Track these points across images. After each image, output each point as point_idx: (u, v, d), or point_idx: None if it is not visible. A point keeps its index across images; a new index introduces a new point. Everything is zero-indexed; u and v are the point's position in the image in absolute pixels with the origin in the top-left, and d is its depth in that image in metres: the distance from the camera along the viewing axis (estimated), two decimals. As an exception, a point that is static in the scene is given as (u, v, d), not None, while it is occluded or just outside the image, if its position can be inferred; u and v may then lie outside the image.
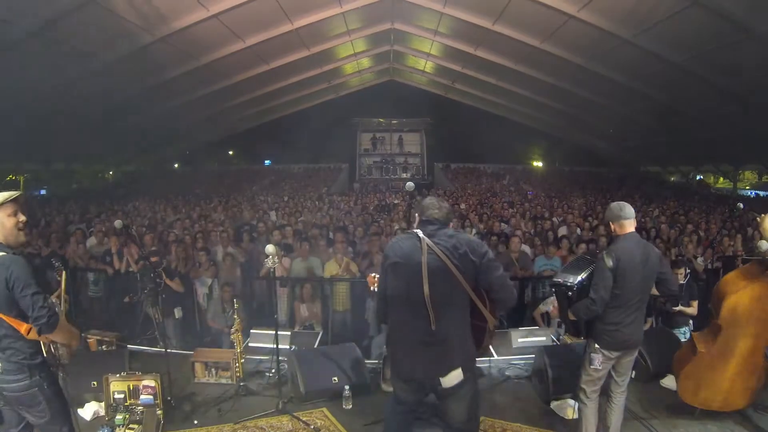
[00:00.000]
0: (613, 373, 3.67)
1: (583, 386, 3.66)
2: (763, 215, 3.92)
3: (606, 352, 3.53)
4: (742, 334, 3.88)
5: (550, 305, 6.68)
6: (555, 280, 3.78)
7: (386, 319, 3.13)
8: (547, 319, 6.70)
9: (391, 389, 3.46)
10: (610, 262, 3.40)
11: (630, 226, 3.54)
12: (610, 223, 3.63)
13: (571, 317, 3.64)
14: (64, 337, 2.87)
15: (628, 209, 3.56)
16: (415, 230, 3.02)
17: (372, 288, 3.40)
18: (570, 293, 3.60)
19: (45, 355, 2.83)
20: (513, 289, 3.11)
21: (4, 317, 2.69)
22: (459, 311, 2.94)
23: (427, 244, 2.89)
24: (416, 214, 3.13)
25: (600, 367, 3.57)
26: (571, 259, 3.87)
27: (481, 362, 5.55)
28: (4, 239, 2.79)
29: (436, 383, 2.92)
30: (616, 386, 3.70)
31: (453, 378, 2.90)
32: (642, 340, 3.65)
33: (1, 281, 2.64)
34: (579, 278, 3.59)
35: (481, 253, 2.91)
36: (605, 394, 3.76)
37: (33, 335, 2.73)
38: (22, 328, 2.70)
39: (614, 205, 3.62)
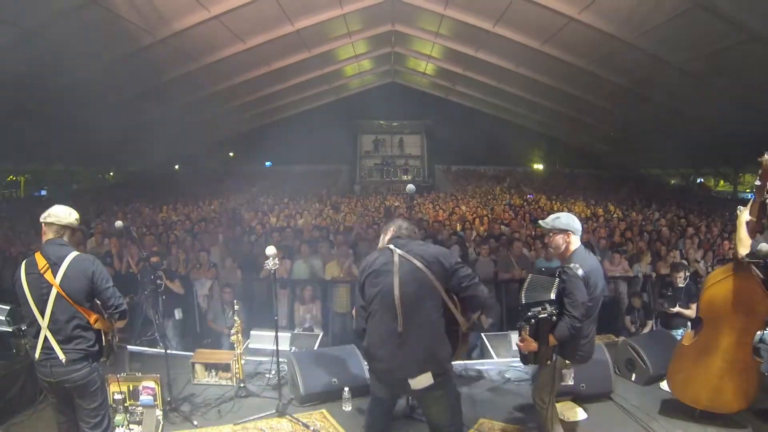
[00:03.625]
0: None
1: (543, 395, 3.54)
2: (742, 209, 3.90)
3: (576, 366, 3.52)
4: (723, 328, 3.88)
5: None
6: (533, 310, 3.35)
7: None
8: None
9: None
10: (581, 272, 3.26)
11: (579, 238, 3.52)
12: (569, 232, 3.47)
13: (553, 342, 3.35)
14: (123, 322, 3.44)
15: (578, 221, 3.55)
16: (387, 246, 3.22)
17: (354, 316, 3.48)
18: (554, 318, 3.29)
19: (104, 344, 3.25)
20: (483, 287, 3.19)
21: (79, 308, 3.11)
22: (431, 314, 3.04)
23: (399, 254, 3.10)
24: (384, 235, 3.34)
25: (571, 382, 3.56)
26: (525, 286, 3.54)
27: (481, 364, 5.56)
28: (75, 246, 3.32)
29: (405, 385, 3.00)
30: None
31: (422, 381, 2.97)
32: None
33: (87, 275, 3.13)
34: (554, 298, 3.34)
35: (450, 259, 3.12)
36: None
37: (98, 325, 3.19)
38: (92, 318, 3.15)
39: (570, 215, 3.57)
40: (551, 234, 3.55)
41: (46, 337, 3.06)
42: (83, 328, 3.14)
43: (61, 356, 3.06)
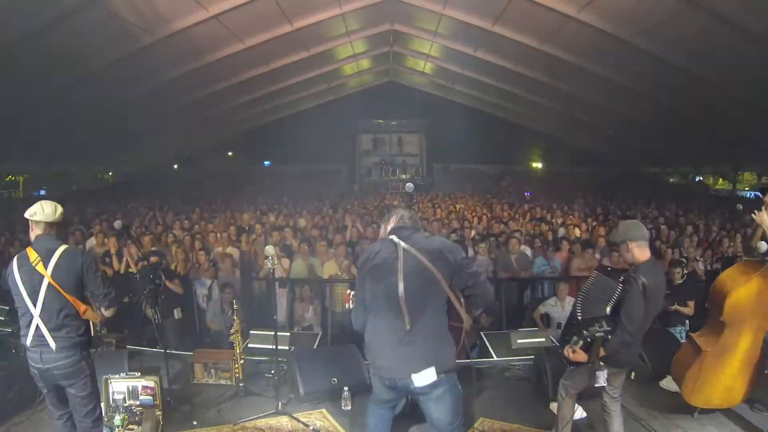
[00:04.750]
0: (607, 388, 3.59)
1: (565, 384, 3.62)
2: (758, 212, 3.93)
3: (613, 370, 3.49)
4: (744, 330, 3.92)
5: (550, 307, 6.67)
6: (590, 329, 3.34)
7: (365, 326, 3.15)
8: (546, 320, 6.70)
9: None
10: (641, 287, 3.21)
11: (647, 241, 3.44)
12: (628, 242, 3.39)
13: (602, 354, 3.35)
14: (113, 310, 3.60)
15: (646, 231, 3.46)
16: (389, 237, 3.11)
17: (348, 305, 3.42)
18: (609, 336, 3.29)
19: (92, 334, 3.43)
20: (488, 285, 3.14)
21: (69, 298, 3.27)
22: (435, 311, 2.98)
23: (403, 247, 2.99)
24: (386, 225, 3.23)
25: (605, 383, 3.52)
26: (586, 287, 3.55)
27: (481, 363, 5.57)
28: (65, 241, 3.53)
29: (408, 381, 2.93)
30: (610, 399, 3.63)
31: (425, 377, 2.90)
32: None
33: (77, 266, 3.32)
34: (609, 313, 3.36)
35: (455, 253, 3.02)
36: (598, 403, 3.74)
37: (87, 315, 3.37)
38: (81, 308, 3.32)
39: (627, 223, 3.50)
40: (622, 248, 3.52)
41: (37, 326, 3.23)
42: (73, 318, 3.31)
43: (52, 343, 3.22)
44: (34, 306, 3.23)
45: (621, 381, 3.61)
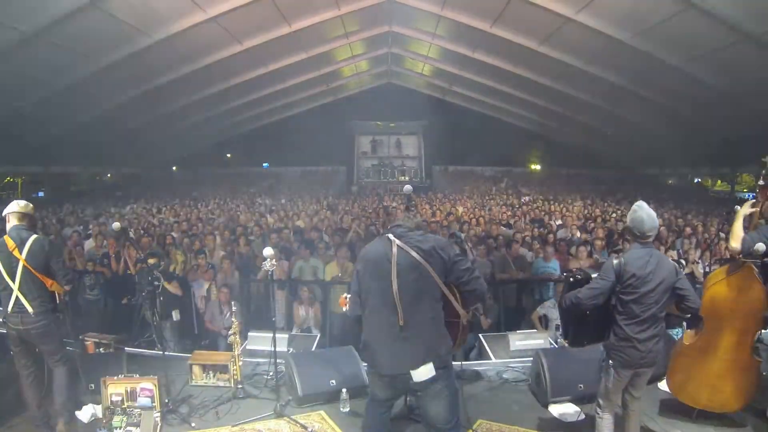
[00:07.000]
0: (629, 387, 3.57)
1: (599, 399, 3.62)
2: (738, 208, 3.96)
3: (620, 370, 3.45)
4: (724, 328, 3.91)
5: (549, 309, 6.68)
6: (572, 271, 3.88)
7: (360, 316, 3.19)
8: (545, 321, 6.70)
9: None
10: (615, 263, 3.33)
11: (645, 238, 3.43)
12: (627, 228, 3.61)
13: (559, 293, 3.70)
14: (71, 285, 4.44)
15: (648, 224, 3.39)
16: (385, 234, 3.16)
17: (344, 309, 3.42)
18: (572, 279, 3.57)
19: (58, 302, 4.21)
20: (482, 280, 3.16)
21: (39, 275, 4.04)
22: (430, 307, 3.01)
23: (397, 244, 3.03)
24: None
25: (610, 385, 3.50)
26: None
27: (479, 365, 5.56)
28: (33, 229, 4.27)
29: (407, 377, 2.95)
30: (631, 398, 3.62)
31: (423, 372, 2.93)
32: (658, 359, 3.50)
33: (44, 251, 4.10)
34: (592, 273, 3.58)
35: (448, 251, 3.06)
36: (621, 403, 3.70)
37: (53, 288, 4.14)
38: (48, 283, 4.10)
39: (637, 217, 3.45)
40: None
41: (17, 297, 3.99)
42: (43, 290, 4.09)
43: (30, 309, 3.99)
44: (13, 282, 3.99)
45: (643, 383, 3.61)
